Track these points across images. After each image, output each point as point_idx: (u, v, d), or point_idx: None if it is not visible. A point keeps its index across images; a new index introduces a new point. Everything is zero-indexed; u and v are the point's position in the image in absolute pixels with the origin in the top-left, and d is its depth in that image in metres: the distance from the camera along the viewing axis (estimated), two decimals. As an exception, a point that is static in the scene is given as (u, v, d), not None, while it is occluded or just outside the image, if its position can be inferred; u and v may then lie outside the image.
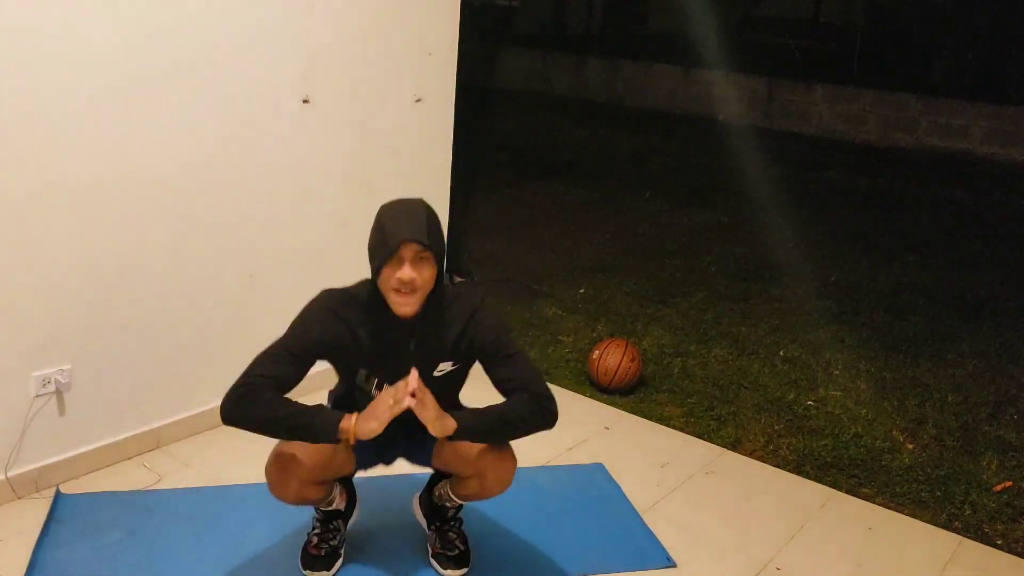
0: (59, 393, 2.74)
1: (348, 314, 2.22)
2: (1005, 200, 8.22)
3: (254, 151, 3.10)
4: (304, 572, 2.46)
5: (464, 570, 2.52)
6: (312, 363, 2.21)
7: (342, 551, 2.52)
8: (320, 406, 2.19)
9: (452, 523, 2.57)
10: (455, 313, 2.27)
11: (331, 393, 2.47)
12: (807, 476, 3.24)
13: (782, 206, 7.17)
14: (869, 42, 11.69)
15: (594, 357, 3.81)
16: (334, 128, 3.33)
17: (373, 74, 3.42)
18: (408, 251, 2.12)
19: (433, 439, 2.28)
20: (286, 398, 2.13)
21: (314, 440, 2.14)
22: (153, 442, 3.03)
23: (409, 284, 2.12)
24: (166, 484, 2.85)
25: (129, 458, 2.96)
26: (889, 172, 9.08)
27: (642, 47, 13.24)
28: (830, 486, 3.18)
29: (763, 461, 3.32)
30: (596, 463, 3.18)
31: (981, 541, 2.93)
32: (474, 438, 2.22)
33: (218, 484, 2.86)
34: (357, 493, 2.62)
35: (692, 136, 10.44)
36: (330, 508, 2.48)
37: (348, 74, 3.32)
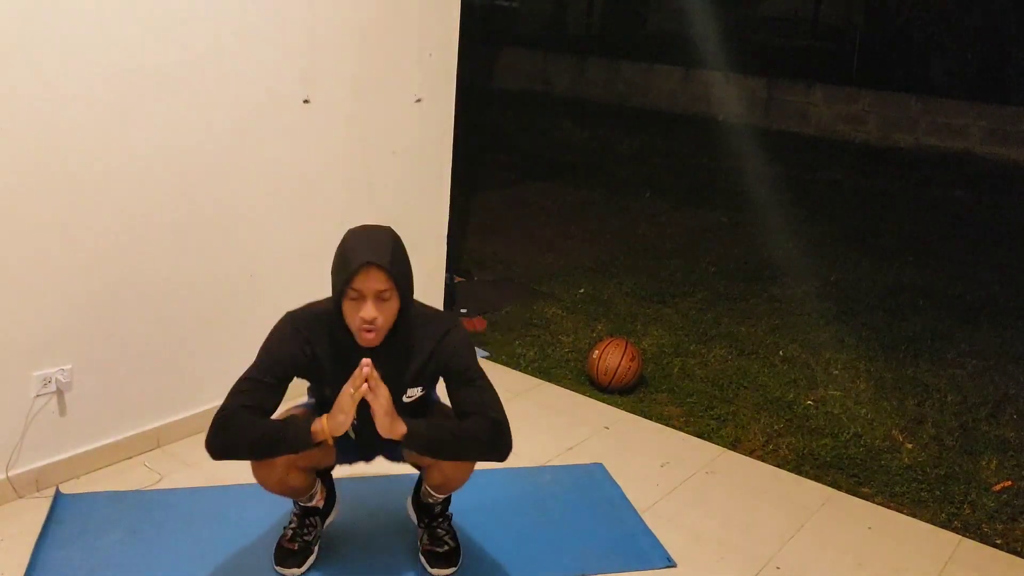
0: (59, 393, 2.74)
1: (313, 338, 2.24)
2: (1005, 200, 8.22)
3: (255, 151, 3.10)
4: (276, 568, 2.47)
5: (453, 568, 2.52)
6: (286, 383, 2.23)
7: (315, 548, 2.53)
8: (291, 417, 2.25)
9: (440, 520, 2.58)
10: (423, 336, 2.27)
11: (310, 389, 2.49)
12: (807, 476, 3.24)
13: (782, 206, 7.18)
14: (869, 42, 11.69)
15: (594, 357, 3.81)
16: (334, 128, 3.33)
17: (373, 74, 3.42)
18: (370, 286, 2.10)
19: None
20: (259, 420, 2.16)
21: (295, 450, 2.18)
22: (153, 442, 3.03)
23: (371, 323, 2.13)
24: (166, 484, 2.86)
25: (129, 458, 2.96)
26: (889, 172, 9.09)
27: (642, 47, 13.25)
28: (830, 486, 3.18)
29: (763, 461, 3.32)
30: (596, 463, 3.18)
31: (980, 540, 2.93)
32: (421, 447, 2.22)
33: (218, 484, 2.86)
34: (337, 493, 2.64)
35: (692, 136, 10.44)
36: (309, 504, 2.49)
37: (348, 74, 3.33)
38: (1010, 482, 3.30)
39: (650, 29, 15.33)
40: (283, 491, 2.36)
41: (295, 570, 2.47)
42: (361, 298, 2.12)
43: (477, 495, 2.91)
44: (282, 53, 3.09)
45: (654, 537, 2.76)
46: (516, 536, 2.72)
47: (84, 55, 2.58)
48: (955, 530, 2.98)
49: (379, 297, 2.12)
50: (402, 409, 2.22)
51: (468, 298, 4.64)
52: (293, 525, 2.52)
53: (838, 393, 3.94)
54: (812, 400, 3.85)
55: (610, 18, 15.45)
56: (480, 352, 4.06)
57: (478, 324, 4.35)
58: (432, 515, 2.58)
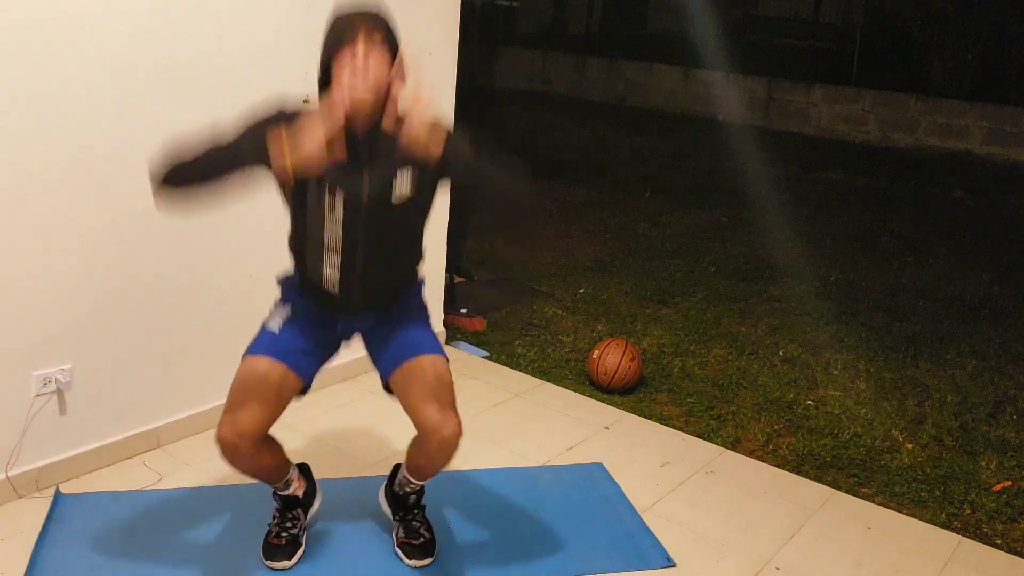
0: (59, 393, 2.74)
1: (298, 119, 2.11)
2: (1005, 200, 8.22)
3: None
4: (266, 563, 2.47)
5: (429, 559, 2.52)
6: (247, 161, 2.10)
7: (303, 540, 2.53)
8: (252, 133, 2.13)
9: (415, 512, 2.57)
10: (412, 124, 2.09)
11: (281, 280, 2.45)
12: (807, 476, 3.24)
13: (782, 206, 7.18)
14: (869, 42, 11.68)
15: (594, 357, 3.81)
16: (334, 128, 3.33)
17: (373, 74, 3.41)
18: (363, 26, 2.06)
19: (395, 321, 2.33)
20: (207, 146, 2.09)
21: (242, 161, 2.08)
22: (153, 442, 3.03)
23: (363, 65, 2.04)
24: (166, 484, 2.86)
25: (129, 458, 2.96)
26: (889, 172, 9.08)
27: (642, 47, 13.24)
28: (829, 486, 3.18)
29: (763, 461, 3.32)
30: (596, 463, 3.18)
31: (980, 541, 2.93)
32: (463, 169, 2.14)
33: (218, 484, 2.86)
34: (318, 485, 2.64)
35: (692, 136, 10.44)
36: (287, 493, 2.49)
37: (348, 74, 3.32)
38: (1010, 482, 3.30)
39: (650, 29, 15.33)
40: (257, 473, 2.36)
41: (285, 563, 2.46)
42: (352, 48, 2.05)
43: (477, 495, 2.92)
44: (282, 53, 3.09)
45: (654, 537, 2.76)
46: (516, 536, 2.72)
47: (84, 55, 2.58)
48: (955, 530, 2.98)
49: (371, 40, 2.06)
50: (392, 212, 2.17)
51: (468, 298, 4.64)
52: (276, 520, 2.52)
53: (838, 393, 3.94)
54: (812, 400, 3.86)
55: (610, 18, 15.44)
56: (480, 352, 4.06)
57: (478, 324, 4.35)
58: (406, 507, 2.56)
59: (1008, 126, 10.10)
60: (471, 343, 4.15)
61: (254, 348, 2.35)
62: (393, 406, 2.43)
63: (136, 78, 2.71)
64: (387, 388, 2.41)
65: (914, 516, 3.04)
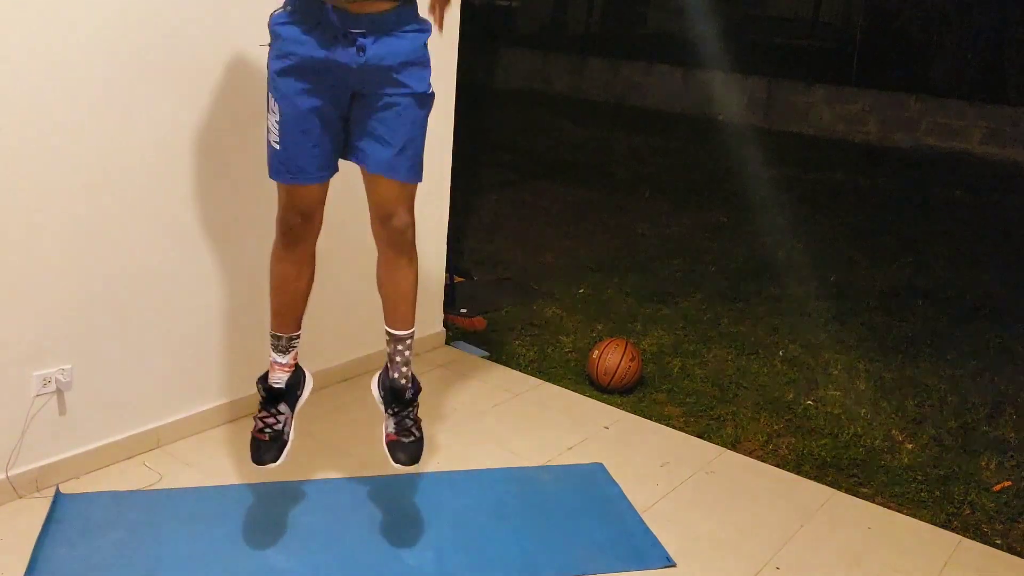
0: (59, 393, 2.74)
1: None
2: (1005, 200, 8.22)
3: (255, 150, 3.09)
4: (253, 463, 2.43)
5: (415, 462, 2.47)
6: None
7: (289, 435, 2.48)
8: None
9: (410, 409, 2.51)
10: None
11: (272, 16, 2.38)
12: (806, 476, 3.24)
13: (782, 206, 7.17)
14: (869, 42, 11.68)
15: (594, 357, 3.81)
16: (334, 128, 3.33)
17: (373, 74, 3.41)
18: None
19: (378, 133, 2.37)
20: None
21: None
22: (153, 442, 3.03)
23: None
24: (166, 484, 2.86)
25: (129, 458, 2.96)
26: (889, 172, 9.09)
27: (642, 47, 13.24)
28: (829, 486, 3.18)
29: (762, 461, 3.32)
30: (596, 463, 3.18)
31: (980, 541, 2.93)
32: None
33: (218, 484, 2.86)
34: (305, 371, 2.61)
35: (692, 136, 10.44)
36: (272, 383, 2.49)
37: (348, 74, 3.32)
38: (1010, 482, 3.30)
39: (650, 29, 15.32)
40: (283, 291, 2.44)
41: (271, 463, 2.43)
42: None
43: (477, 495, 2.92)
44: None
45: (654, 537, 2.76)
46: (516, 536, 2.72)
47: (84, 54, 2.58)
48: (955, 530, 2.98)
49: None
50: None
51: (468, 298, 4.64)
52: (261, 414, 2.48)
53: (838, 393, 3.94)
54: (812, 400, 3.86)
55: (610, 18, 15.43)
56: (480, 352, 4.06)
57: (478, 324, 4.35)
58: (402, 401, 2.50)
59: (1008, 126, 10.10)
60: (471, 343, 4.15)
61: (275, 173, 2.40)
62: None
63: (134, 76, 2.70)
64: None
65: (914, 516, 3.04)
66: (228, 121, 2.98)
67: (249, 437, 2.49)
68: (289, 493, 2.83)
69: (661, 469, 3.20)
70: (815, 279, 5.46)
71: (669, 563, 2.65)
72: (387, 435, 2.50)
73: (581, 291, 4.99)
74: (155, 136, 2.80)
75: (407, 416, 2.51)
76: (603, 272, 5.36)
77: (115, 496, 2.76)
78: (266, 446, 2.44)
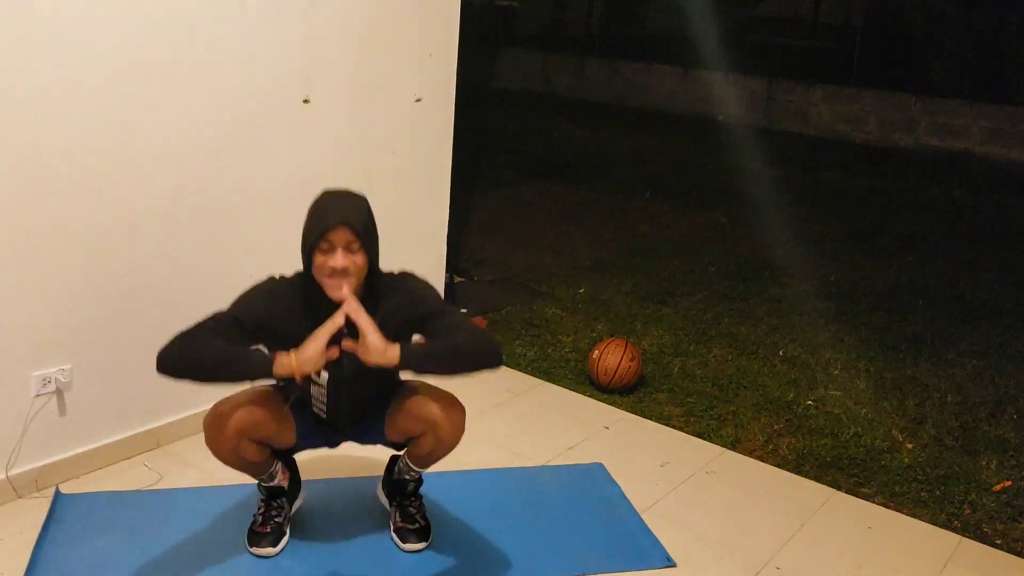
0: (59, 393, 2.74)
1: (288, 298, 2.32)
2: (1005, 200, 8.22)
3: (254, 151, 3.10)
4: (251, 549, 2.50)
5: (424, 544, 2.58)
6: (253, 337, 2.26)
7: (287, 529, 2.57)
8: (259, 348, 2.26)
9: (412, 499, 2.62)
10: (388, 295, 2.34)
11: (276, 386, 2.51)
12: (807, 476, 3.24)
13: (782, 206, 7.18)
14: (869, 42, 11.69)
15: (594, 357, 3.81)
16: (334, 128, 3.33)
17: (373, 74, 3.42)
18: (339, 238, 2.20)
19: (382, 416, 2.42)
20: (221, 341, 2.20)
21: (251, 376, 2.22)
22: (153, 442, 3.03)
23: (342, 271, 2.21)
24: (166, 484, 2.86)
25: (129, 458, 2.96)
26: (889, 172, 9.09)
27: (642, 47, 13.24)
28: (830, 485, 3.18)
29: (763, 461, 3.32)
30: (596, 463, 3.18)
31: (980, 541, 2.93)
32: (419, 365, 2.24)
33: (218, 484, 2.86)
34: (302, 478, 2.67)
35: (692, 136, 10.44)
36: (272, 484, 2.52)
37: (348, 74, 3.33)
38: (1010, 482, 3.30)
39: (650, 29, 15.33)
40: (237, 462, 2.38)
41: (270, 549, 2.50)
42: (332, 249, 2.20)
43: (477, 495, 2.92)
44: (282, 53, 3.09)
45: (654, 537, 2.76)
46: (516, 536, 2.72)
47: (84, 54, 2.58)
48: (955, 530, 2.98)
49: (348, 249, 2.21)
50: (371, 370, 2.24)
51: (468, 298, 4.64)
52: (261, 510, 2.55)
53: (838, 393, 3.94)
54: (812, 400, 3.85)
55: (610, 18, 15.44)
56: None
57: (478, 324, 4.35)
58: (404, 494, 2.61)
59: (1008, 126, 10.11)
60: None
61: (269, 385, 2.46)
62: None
63: (135, 78, 2.70)
64: (390, 444, 2.54)
65: (914, 516, 3.04)
66: (229, 129, 2.98)
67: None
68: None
69: (661, 469, 3.19)
70: (815, 279, 5.46)
71: (669, 563, 2.65)
72: (394, 524, 2.63)
73: (581, 291, 4.99)
74: (156, 137, 2.80)
75: (411, 505, 2.62)
76: (603, 272, 5.36)
77: (115, 496, 2.76)
78: (266, 537, 2.53)
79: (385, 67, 3.46)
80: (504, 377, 3.82)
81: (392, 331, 2.27)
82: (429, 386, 2.44)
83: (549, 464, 3.17)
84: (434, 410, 2.36)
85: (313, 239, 2.21)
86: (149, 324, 2.92)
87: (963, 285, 5.55)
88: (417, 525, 2.60)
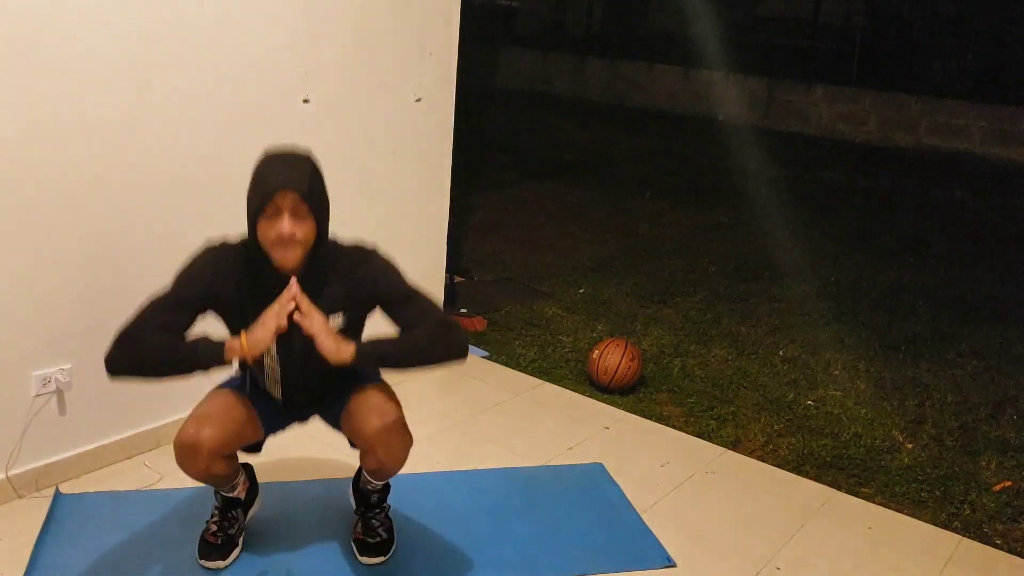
0: (59, 393, 2.74)
1: (231, 267, 2.20)
2: (1005, 200, 8.23)
3: (255, 150, 3.09)
4: (201, 562, 2.46)
5: (382, 558, 2.52)
6: (199, 312, 2.20)
7: (240, 541, 2.53)
8: (206, 336, 2.18)
9: (376, 511, 2.56)
10: (343, 265, 2.24)
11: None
12: (807, 476, 3.24)
13: (782, 206, 7.18)
14: (869, 42, 11.69)
15: (594, 357, 3.81)
16: (334, 127, 3.33)
17: (373, 74, 3.42)
18: (286, 201, 2.08)
19: (341, 399, 2.34)
20: (167, 336, 2.13)
21: (204, 367, 2.13)
22: (153, 442, 3.03)
23: (288, 238, 2.09)
24: (166, 484, 2.86)
25: (129, 458, 2.96)
26: (889, 172, 9.09)
27: (642, 47, 13.25)
28: (830, 486, 3.18)
29: (763, 461, 3.32)
30: (596, 463, 3.18)
31: (981, 541, 2.93)
32: (375, 360, 2.17)
33: (218, 484, 2.86)
34: (259, 486, 2.64)
35: (692, 136, 10.45)
36: (231, 495, 2.49)
37: (348, 74, 3.33)
38: (1010, 482, 3.30)
39: (650, 29, 15.33)
40: (206, 479, 2.34)
41: (219, 563, 2.45)
42: (278, 214, 2.09)
43: (477, 495, 2.92)
44: (282, 53, 3.09)
45: (654, 537, 2.76)
46: (516, 536, 2.72)
47: (83, 54, 2.57)
48: (955, 530, 2.98)
49: (295, 214, 2.09)
50: None
51: (468, 298, 4.64)
52: (215, 519, 2.51)
53: (838, 393, 3.94)
54: (812, 400, 3.85)
55: (610, 18, 15.44)
56: (480, 352, 4.06)
57: (478, 324, 4.35)
58: (368, 504, 2.55)
59: (1008, 126, 10.11)
60: (471, 343, 4.15)
61: (226, 384, 2.41)
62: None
63: (135, 78, 2.70)
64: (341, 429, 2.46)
65: (914, 516, 3.04)
66: (230, 129, 2.98)
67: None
68: (289, 493, 2.83)
69: (661, 469, 3.19)
70: (815, 279, 5.46)
71: (669, 563, 2.65)
72: (354, 533, 2.57)
73: (581, 291, 4.99)
74: (156, 141, 2.80)
75: (374, 517, 2.55)
76: (603, 272, 5.36)
77: (115, 496, 2.76)
78: (217, 550, 2.47)
79: (385, 67, 3.46)
80: (504, 377, 3.83)
81: (349, 308, 2.20)
82: (380, 395, 2.33)
83: (549, 464, 3.17)
84: (373, 432, 2.25)
85: (257, 204, 2.09)
86: (149, 324, 2.92)
87: (963, 285, 5.55)
88: (377, 539, 2.52)
